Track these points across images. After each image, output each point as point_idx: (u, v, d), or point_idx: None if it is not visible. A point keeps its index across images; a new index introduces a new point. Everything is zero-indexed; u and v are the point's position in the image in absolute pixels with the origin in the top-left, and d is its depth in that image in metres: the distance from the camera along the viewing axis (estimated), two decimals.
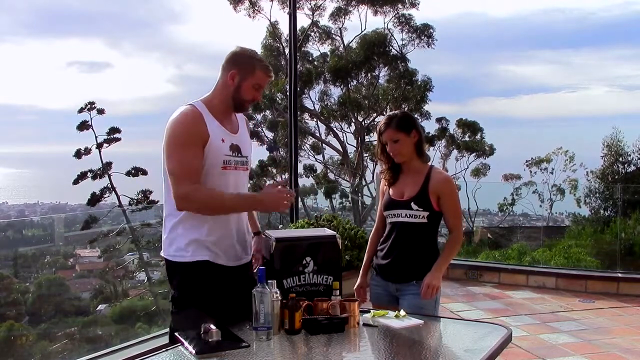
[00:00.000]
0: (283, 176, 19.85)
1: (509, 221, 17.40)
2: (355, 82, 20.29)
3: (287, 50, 18.02)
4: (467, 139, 21.43)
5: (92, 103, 16.98)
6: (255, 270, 2.65)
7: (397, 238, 2.95)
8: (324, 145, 20.95)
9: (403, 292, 2.92)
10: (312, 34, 20.27)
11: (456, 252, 3.07)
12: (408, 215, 2.90)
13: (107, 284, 11.99)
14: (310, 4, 19.44)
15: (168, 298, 2.69)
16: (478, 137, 21.45)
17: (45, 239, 8.55)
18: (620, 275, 6.83)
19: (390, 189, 3.01)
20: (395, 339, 2.45)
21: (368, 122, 19.86)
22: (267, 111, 20.04)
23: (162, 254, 2.63)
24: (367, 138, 19.68)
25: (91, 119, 16.94)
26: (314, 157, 21.08)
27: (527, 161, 21.52)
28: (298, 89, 10.84)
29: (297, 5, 7.55)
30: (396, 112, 3.04)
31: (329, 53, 20.51)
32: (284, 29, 19.49)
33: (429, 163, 3.01)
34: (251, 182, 19.44)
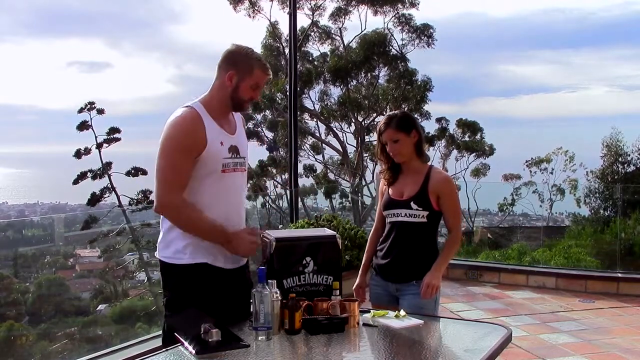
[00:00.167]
0: (283, 176, 19.86)
1: (509, 221, 17.41)
2: (355, 82, 20.28)
3: (287, 50, 18.02)
4: (467, 139, 21.42)
5: (92, 103, 16.97)
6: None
7: (396, 238, 2.95)
8: (324, 145, 20.95)
9: (403, 292, 2.92)
10: (312, 34, 20.27)
11: (455, 252, 3.07)
12: (408, 215, 2.90)
13: (107, 284, 11.98)
14: (310, 4, 19.45)
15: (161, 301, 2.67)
16: (478, 137, 21.45)
17: (45, 239, 8.55)
18: (620, 275, 6.83)
19: (390, 189, 3.02)
20: (395, 339, 2.45)
21: (368, 122, 19.85)
22: (267, 111, 20.03)
23: (157, 255, 2.60)
24: (367, 138, 19.68)
25: (91, 119, 16.94)
26: (314, 157, 21.09)
27: (527, 161, 21.54)
28: (298, 89, 10.85)
29: (297, 5, 7.55)
30: (396, 112, 3.04)
31: (329, 53, 20.50)
32: (284, 29, 19.50)
33: (429, 163, 3.01)
34: (251, 182, 19.49)
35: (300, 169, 19.72)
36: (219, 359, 2.14)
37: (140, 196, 16.72)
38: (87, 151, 16.94)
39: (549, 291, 6.68)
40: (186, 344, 2.20)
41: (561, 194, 16.18)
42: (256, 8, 19.54)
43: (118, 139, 17.29)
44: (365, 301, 3.03)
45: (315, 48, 20.59)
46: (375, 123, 18.22)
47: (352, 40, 20.30)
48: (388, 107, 18.97)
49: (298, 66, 11.29)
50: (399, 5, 19.57)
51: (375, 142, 3.27)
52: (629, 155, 15.89)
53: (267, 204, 15.77)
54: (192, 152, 2.44)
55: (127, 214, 15.38)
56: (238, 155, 2.59)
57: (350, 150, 20.47)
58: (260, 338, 2.29)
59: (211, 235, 2.50)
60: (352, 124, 20.33)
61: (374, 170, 18.84)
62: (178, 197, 2.44)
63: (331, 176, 21.45)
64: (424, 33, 19.67)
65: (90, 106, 16.87)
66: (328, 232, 2.89)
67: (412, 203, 2.89)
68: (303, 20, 19.16)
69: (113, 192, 17.15)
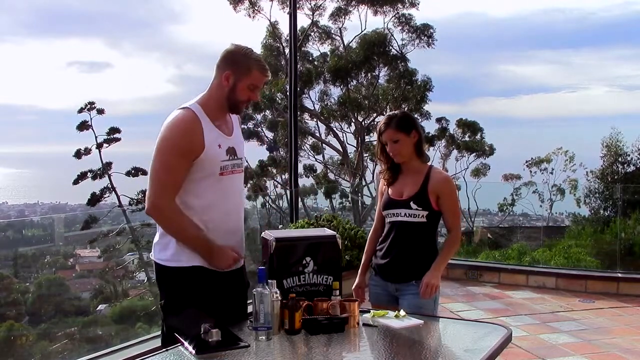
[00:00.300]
0: (283, 176, 19.86)
1: (509, 221, 17.40)
2: (355, 82, 20.29)
3: (287, 50, 18.03)
4: (467, 139, 21.42)
5: (92, 103, 16.98)
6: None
7: (396, 237, 2.95)
8: (324, 145, 20.96)
9: (402, 291, 2.92)
10: (312, 34, 20.27)
11: (455, 252, 3.07)
12: (407, 215, 2.90)
13: (107, 284, 11.98)
14: (310, 4, 19.46)
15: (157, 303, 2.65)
16: (478, 137, 21.45)
17: (45, 239, 8.55)
18: (620, 275, 6.83)
19: (390, 189, 3.01)
20: (395, 339, 2.45)
21: (368, 122, 19.86)
22: (267, 111, 20.04)
23: (152, 257, 2.58)
24: (367, 138, 19.69)
25: (91, 119, 16.94)
26: (314, 157, 21.09)
27: (527, 161, 21.55)
28: (298, 89, 10.84)
29: (297, 5, 7.54)
30: (396, 112, 3.04)
31: (329, 53, 20.51)
32: (284, 29, 19.52)
33: (429, 163, 3.01)
34: (251, 182, 19.49)
35: (300, 169, 19.73)
36: (219, 359, 2.14)
37: (140, 196, 16.70)
38: (87, 151, 16.94)
39: (549, 291, 6.68)
40: (186, 344, 2.21)
41: (561, 194, 16.18)
42: (256, 8, 19.56)
43: (118, 139, 17.30)
44: (365, 301, 3.03)
45: (315, 48, 20.63)
46: (375, 123, 18.22)
47: (352, 40, 20.34)
48: (388, 107, 18.97)
49: (298, 66, 11.27)
50: (399, 5, 19.57)
51: (375, 142, 3.27)
52: (629, 155, 15.89)
53: (267, 204, 15.77)
54: (189, 155, 2.42)
55: (127, 214, 15.39)
56: (235, 157, 2.57)
57: (351, 150, 20.50)
58: (260, 338, 2.29)
59: (195, 245, 2.48)
60: (352, 124, 20.34)
61: (374, 170, 18.84)
62: (170, 200, 2.42)
63: (331, 176, 21.46)
64: (424, 33, 19.68)
65: (90, 106, 16.87)
66: (328, 232, 2.89)
67: (411, 203, 2.89)
68: (303, 20, 19.20)
69: (113, 192, 17.16)
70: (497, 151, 21.71)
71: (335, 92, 20.31)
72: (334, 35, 20.43)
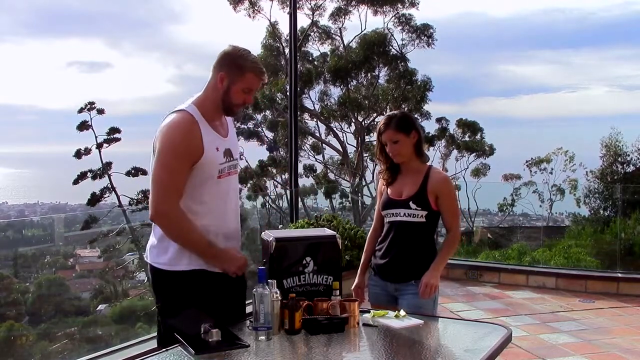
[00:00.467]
0: (283, 176, 19.86)
1: (509, 221, 17.39)
2: (355, 82, 20.28)
3: (287, 50, 18.03)
4: (467, 139, 21.41)
5: (92, 103, 16.94)
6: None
7: (395, 237, 2.95)
8: (324, 145, 20.95)
9: (402, 291, 2.92)
10: (312, 34, 20.27)
11: (454, 252, 3.07)
12: (406, 215, 2.90)
13: (107, 284, 11.98)
14: (310, 4, 19.45)
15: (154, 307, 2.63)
16: (478, 137, 21.44)
17: (45, 239, 8.54)
18: (620, 275, 6.83)
19: (389, 189, 3.02)
20: (395, 339, 2.45)
21: (368, 122, 19.85)
22: (267, 111, 20.04)
23: (149, 261, 2.55)
24: (367, 138, 19.68)
25: (91, 119, 16.90)
26: (314, 157, 21.09)
27: (527, 161, 21.54)
28: (298, 89, 10.84)
29: (297, 5, 7.54)
30: (395, 112, 3.03)
31: (329, 53, 20.50)
32: (284, 29, 19.52)
33: (428, 163, 3.01)
34: (251, 182, 19.50)
35: (300, 169, 19.73)
36: (219, 359, 2.14)
37: (140, 196, 16.71)
38: (87, 151, 16.91)
39: (549, 291, 6.68)
40: (186, 344, 2.20)
41: (561, 194, 16.17)
42: (256, 8, 19.55)
43: (118, 139, 17.27)
44: (364, 301, 3.03)
45: (315, 48, 20.63)
46: (375, 123, 18.21)
47: (352, 40, 20.34)
48: (388, 107, 18.96)
49: (298, 66, 11.27)
50: (399, 5, 19.57)
51: (375, 142, 3.27)
52: (629, 155, 15.90)
53: (267, 204, 15.78)
54: (190, 159, 2.40)
55: (127, 214, 15.36)
56: (232, 158, 2.56)
57: (351, 150, 20.50)
58: (260, 338, 2.29)
59: (203, 249, 2.46)
60: (352, 124, 20.34)
61: (374, 170, 18.83)
62: (175, 206, 2.39)
63: (331, 176, 21.46)
64: (424, 33, 19.67)
65: (90, 106, 16.84)
66: (328, 232, 2.89)
67: (411, 203, 2.89)
68: (303, 20, 19.19)
69: (113, 192, 17.13)
70: (497, 151, 21.71)
71: (335, 92, 20.34)
72: (334, 35, 20.43)
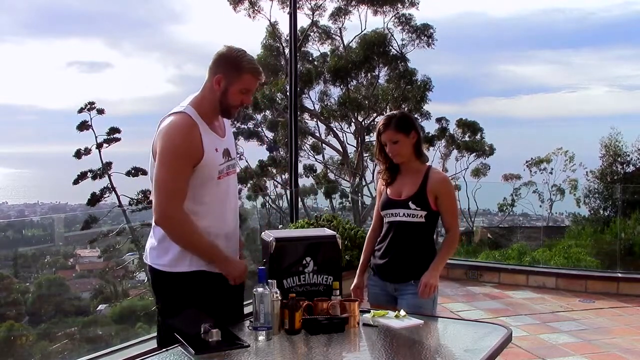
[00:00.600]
0: (283, 176, 19.86)
1: (509, 221, 17.39)
2: (355, 82, 20.28)
3: (287, 50, 18.03)
4: (467, 139, 21.42)
5: (92, 103, 16.95)
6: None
7: (394, 237, 2.95)
8: (324, 145, 20.96)
9: (401, 291, 2.92)
10: (312, 34, 20.27)
11: (453, 252, 3.07)
12: (406, 215, 2.90)
13: (107, 284, 11.99)
14: (310, 4, 19.46)
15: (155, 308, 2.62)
16: (478, 137, 21.45)
17: (45, 239, 8.55)
18: (620, 275, 6.83)
19: (388, 189, 3.02)
20: (395, 339, 2.45)
21: (368, 122, 19.86)
22: (267, 111, 20.04)
23: (149, 262, 2.54)
24: (367, 138, 19.68)
25: (91, 119, 16.92)
26: (314, 157, 21.09)
27: (527, 161, 21.55)
28: (298, 89, 10.84)
29: (297, 5, 7.54)
30: (395, 112, 3.03)
31: (329, 53, 20.51)
32: (284, 29, 19.52)
33: (427, 163, 3.01)
34: (251, 182, 19.50)
35: (300, 169, 19.73)
36: (219, 359, 2.14)
37: (140, 196, 16.71)
38: (87, 151, 16.92)
39: (549, 291, 6.68)
40: (186, 344, 2.20)
41: (561, 194, 16.17)
42: (256, 8, 19.55)
43: (118, 139, 17.28)
44: (364, 301, 3.03)
45: (315, 48, 20.63)
46: (375, 123, 18.21)
47: (352, 40, 20.34)
48: (388, 107, 18.97)
49: (298, 66, 11.28)
50: (399, 5, 19.57)
51: (374, 142, 3.27)
52: (629, 155, 15.90)
53: (267, 204, 15.79)
54: (191, 161, 2.40)
55: (127, 214, 15.36)
56: (230, 158, 2.56)
57: (351, 150, 20.50)
58: (260, 338, 2.29)
59: (204, 252, 2.46)
60: (352, 124, 20.34)
61: (374, 170, 18.83)
62: (180, 209, 2.38)
63: (331, 176, 21.46)
64: (424, 33, 19.68)
65: (90, 106, 16.85)
66: (328, 232, 2.89)
67: (410, 203, 2.89)
68: (303, 20, 19.20)
69: (113, 192, 17.14)
70: (497, 151, 21.72)
71: (335, 92, 20.35)
72: (333, 35, 20.44)
